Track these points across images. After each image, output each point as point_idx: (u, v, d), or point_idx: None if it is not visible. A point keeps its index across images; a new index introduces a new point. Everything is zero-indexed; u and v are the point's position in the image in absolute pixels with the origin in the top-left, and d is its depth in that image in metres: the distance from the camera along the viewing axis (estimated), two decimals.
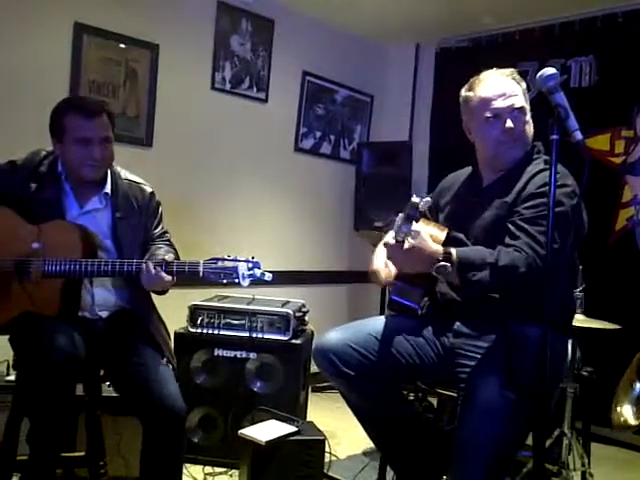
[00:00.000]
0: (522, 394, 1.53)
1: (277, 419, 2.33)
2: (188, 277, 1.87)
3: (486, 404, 1.58)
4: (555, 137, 1.44)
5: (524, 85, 1.83)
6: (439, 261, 1.59)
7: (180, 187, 3.47)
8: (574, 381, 2.41)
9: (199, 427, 2.68)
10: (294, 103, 4.13)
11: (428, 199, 1.56)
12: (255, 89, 3.88)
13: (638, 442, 3.20)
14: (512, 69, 1.86)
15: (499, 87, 1.80)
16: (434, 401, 2.44)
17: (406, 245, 1.59)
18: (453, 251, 1.62)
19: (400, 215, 1.60)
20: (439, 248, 1.63)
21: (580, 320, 2.39)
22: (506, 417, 1.56)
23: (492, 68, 1.87)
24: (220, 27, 3.68)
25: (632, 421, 1.04)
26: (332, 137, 4.37)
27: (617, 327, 2.44)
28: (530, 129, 1.80)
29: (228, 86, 3.75)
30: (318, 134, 4.28)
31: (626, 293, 3.31)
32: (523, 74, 1.90)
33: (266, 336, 2.69)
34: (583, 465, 2.41)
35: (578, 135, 1.44)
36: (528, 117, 1.80)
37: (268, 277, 1.87)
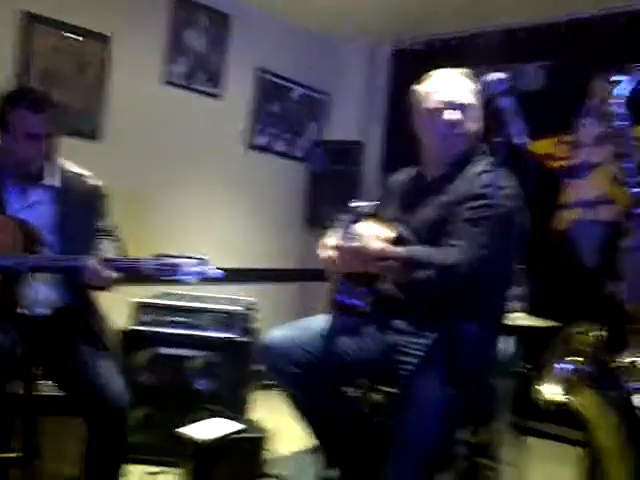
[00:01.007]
0: (460, 390, 1.58)
1: (220, 417, 2.33)
2: (133, 274, 1.85)
3: (425, 400, 1.62)
4: (499, 140, 1.49)
5: (475, 85, 1.86)
6: (386, 260, 1.63)
7: (130, 182, 3.41)
8: (511, 377, 2.48)
9: (141, 426, 2.65)
10: (249, 100, 4.11)
11: (372, 203, 1.59)
12: (210, 84, 3.85)
13: (572, 436, 3.32)
14: (466, 70, 1.90)
15: (446, 81, 1.85)
16: (380, 398, 2.48)
17: (351, 246, 1.62)
18: (400, 250, 1.65)
19: (344, 217, 1.63)
20: (386, 247, 1.66)
21: (521, 318, 2.47)
22: (444, 412, 1.61)
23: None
24: (175, 20, 3.64)
25: (555, 398, 1.09)
26: (286, 134, 4.37)
27: (557, 324, 2.52)
28: (475, 127, 1.85)
29: (182, 80, 3.71)
30: (273, 131, 4.27)
31: (566, 292, 3.44)
32: (476, 77, 1.94)
33: (213, 334, 2.67)
34: (518, 459, 2.48)
35: (521, 139, 1.48)
36: (474, 115, 1.84)
37: (216, 274, 1.86)
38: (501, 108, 1.47)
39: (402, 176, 2.05)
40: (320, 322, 1.87)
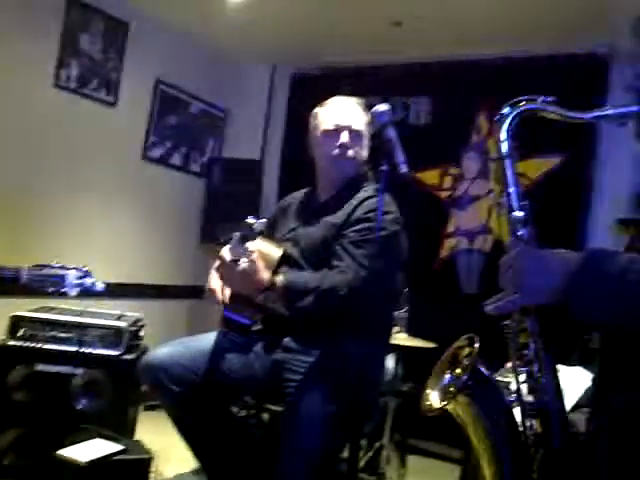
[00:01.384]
0: (344, 407, 1.62)
1: (102, 438, 2.22)
2: (9, 284, 1.74)
3: (308, 417, 1.64)
4: (385, 168, 1.57)
5: (367, 115, 1.95)
6: (265, 290, 1.66)
7: (13, 188, 3.22)
8: (395, 396, 2.59)
9: (12, 448, 2.47)
10: (145, 110, 4.02)
11: (264, 220, 1.62)
12: (104, 91, 3.72)
13: (451, 454, 3.49)
14: (362, 100, 2.00)
15: (342, 108, 1.94)
16: (266, 417, 2.48)
17: (240, 265, 1.63)
18: (279, 279, 1.69)
19: (236, 234, 1.64)
20: (265, 277, 1.68)
21: (403, 338, 2.58)
22: (328, 429, 1.64)
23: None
24: (69, 23, 3.49)
25: (435, 405, 1.17)
26: (183, 149, 4.31)
27: (435, 345, 2.66)
28: (364, 154, 1.94)
29: (73, 85, 3.56)
30: (169, 144, 4.20)
31: (447, 315, 3.63)
32: (368, 107, 2.04)
33: (96, 351, 2.55)
34: (400, 476, 2.58)
35: (404, 168, 1.55)
36: (364, 143, 1.93)
37: (99, 287, 1.80)
38: (387, 138, 1.55)
39: (296, 196, 2.10)
40: (206, 340, 1.85)
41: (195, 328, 4.20)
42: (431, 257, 3.87)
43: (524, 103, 1.12)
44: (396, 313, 2.60)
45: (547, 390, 1.06)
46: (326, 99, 2.02)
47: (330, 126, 1.91)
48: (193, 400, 1.75)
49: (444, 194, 3.93)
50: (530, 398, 1.08)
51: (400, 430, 2.66)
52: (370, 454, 2.52)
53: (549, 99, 1.10)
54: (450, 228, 3.89)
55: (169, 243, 4.24)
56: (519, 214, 1.09)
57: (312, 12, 3.63)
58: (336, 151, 1.90)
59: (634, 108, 1.06)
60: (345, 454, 1.74)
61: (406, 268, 1.92)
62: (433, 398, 1.19)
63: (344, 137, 1.89)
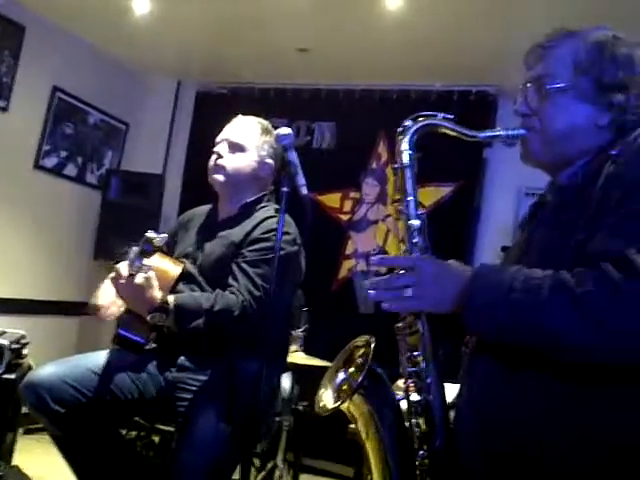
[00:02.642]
0: (237, 426, 1.61)
1: None
2: None
3: (202, 436, 1.63)
4: (285, 190, 1.60)
5: (266, 138, 1.97)
6: (155, 310, 1.64)
7: None
8: (290, 415, 2.61)
9: None
10: (39, 117, 3.83)
11: (164, 235, 1.60)
12: None
13: (345, 473, 3.54)
14: (266, 123, 2.01)
15: (235, 124, 1.97)
16: (156, 438, 2.41)
17: (136, 280, 1.60)
18: (171, 299, 1.67)
19: (134, 249, 1.61)
20: (157, 296, 1.66)
21: (300, 358, 2.61)
22: (220, 448, 1.62)
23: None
24: None
25: (329, 405, 1.19)
26: (79, 159, 4.14)
27: (331, 364, 2.71)
28: (244, 168, 1.93)
29: None
30: (64, 154, 4.02)
31: (344, 334, 3.70)
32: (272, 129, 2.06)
33: None
34: None
35: (304, 190, 1.58)
36: (246, 157, 1.92)
37: None
38: (287, 161, 1.58)
39: (197, 212, 2.09)
40: (96, 358, 1.78)
41: (86, 346, 4.02)
42: (330, 278, 3.96)
43: (425, 118, 1.18)
44: (294, 332, 2.63)
45: (432, 390, 1.11)
46: (231, 118, 2.03)
47: (217, 141, 1.95)
48: (79, 422, 1.67)
49: (344, 217, 4.04)
50: (416, 397, 1.12)
51: (294, 449, 2.67)
52: (263, 474, 2.51)
53: (448, 116, 1.17)
54: (349, 250, 4.00)
55: (60, 258, 4.03)
56: (416, 222, 1.14)
57: (218, 33, 3.65)
58: (211, 162, 1.93)
59: (521, 131, 1.16)
60: (236, 475, 1.73)
61: (305, 288, 1.95)
62: (327, 398, 1.20)
63: (219, 147, 1.93)
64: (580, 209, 1.04)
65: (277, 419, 2.55)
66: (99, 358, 1.78)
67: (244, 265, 1.77)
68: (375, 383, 1.17)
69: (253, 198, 1.96)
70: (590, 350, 0.93)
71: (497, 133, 1.18)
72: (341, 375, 1.23)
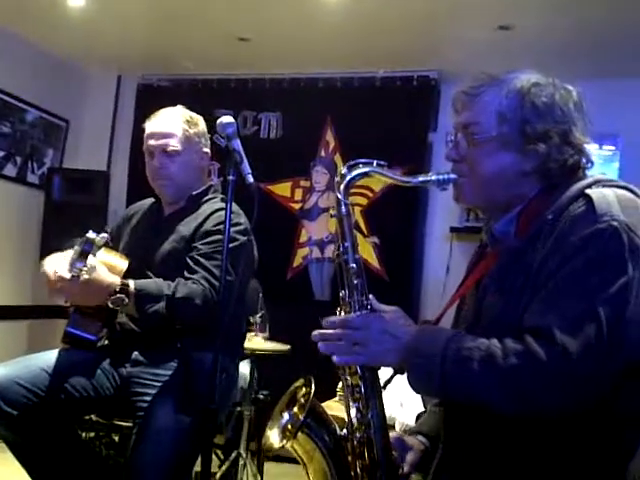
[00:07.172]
0: (196, 416, 1.61)
1: None
2: None
3: (161, 428, 1.62)
4: (231, 178, 1.58)
5: (196, 129, 1.93)
6: (115, 293, 1.61)
7: None
8: (251, 404, 2.61)
9: None
10: None
11: (104, 235, 1.58)
12: None
13: None
14: (190, 112, 1.97)
15: (160, 126, 1.91)
16: (117, 437, 2.38)
17: (81, 279, 1.56)
18: (131, 283, 1.65)
19: (75, 249, 1.58)
20: (116, 280, 1.64)
21: (258, 342, 2.61)
22: (180, 440, 1.62)
23: (191, 109, 1.98)
24: None
25: (276, 445, 1.23)
26: (18, 159, 4.00)
27: (287, 347, 2.72)
28: (198, 165, 1.93)
29: None
30: (1, 154, 3.87)
31: (299, 319, 3.73)
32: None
33: None
34: None
35: (250, 178, 1.56)
36: (183, 159, 1.89)
37: None
38: (232, 149, 1.57)
39: (141, 206, 2.06)
40: (48, 357, 1.75)
41: (37, 350, 3.87)
42: (285, 266, 3.97)
43: (361, 166, 1.19)
44: (251, 318, 2.63)
45: (374, 425, 1.15)
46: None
47: (145, 146, 1.91)
48: (33, 423, 1.64)
49: (295, 206, 4.05)
50: (358, 433, 1.17)
51: (256, 438, 2.68)
52: (227, 464, 2.51)
53: (382, 163, 1.19)
54: (302, 238, 4.02)
55: (4, 260, 3.90)
56: (353, 266, 1.18)
57: (158, 24, 3.57)
58: (152, 174, 1.91)
59: (452, 176, 1.19)
60: (198, 467, 1.73)
61: (261, 277, 1.95)
62: (273, 438, 1.23)
63: (157, 159, 1.89)
64: (523, 274, 1.07)
65: (238, 409, 2.56)
66: (51, 357, 1.75)
67: (200, 258, 1.76)
68: (317, 421, 1.21)
69: (199, 190, 1.95)
70: (518, 416, 1.02)
71: (429, 178, 1.20)
72: (286, 415, 1.26)
